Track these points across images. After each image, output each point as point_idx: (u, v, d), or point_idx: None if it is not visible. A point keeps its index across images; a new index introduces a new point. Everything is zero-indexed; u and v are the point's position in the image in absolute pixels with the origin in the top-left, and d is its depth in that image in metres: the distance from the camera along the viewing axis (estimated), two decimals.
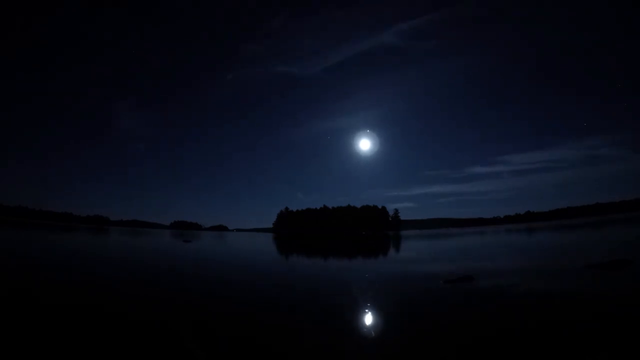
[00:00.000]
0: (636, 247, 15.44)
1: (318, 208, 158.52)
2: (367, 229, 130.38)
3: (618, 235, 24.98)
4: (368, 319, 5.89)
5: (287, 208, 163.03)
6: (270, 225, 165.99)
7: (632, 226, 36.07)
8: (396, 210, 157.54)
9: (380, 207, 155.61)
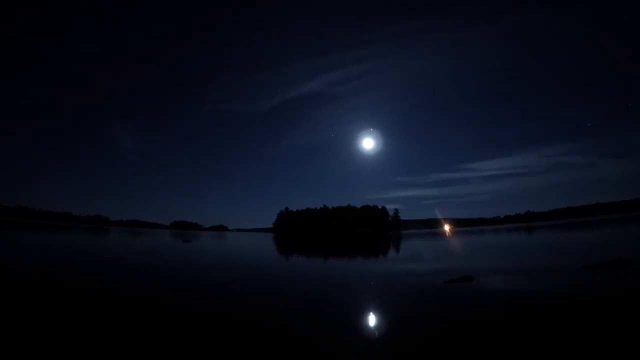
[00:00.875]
0: (636, 247, 15.44)
1: (318, 208, 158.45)
2: (367, 229, 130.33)
3: (618, 235, 24.99)
4: (367, 319, 5.89)
5: (287, 208, 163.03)
6: (270, 225, 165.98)
7: (632, 226, 36.08)
8: (396, 210, 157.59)
9: (380, 207, 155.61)
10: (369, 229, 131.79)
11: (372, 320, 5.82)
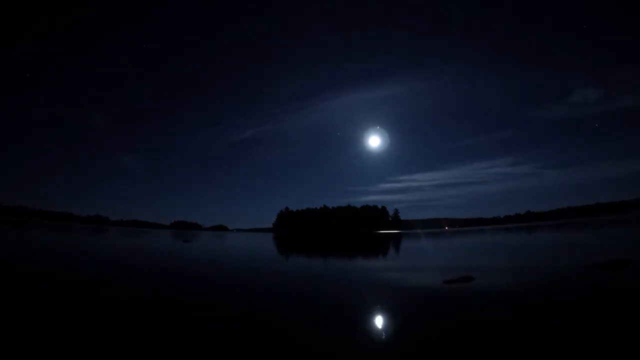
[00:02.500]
0: (636, 247, 15.43)
1: (318, 208, 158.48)
2: (367, 229, 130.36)
3: (618, 235, 24.98)
4: (364, 319, 5.89)
5: (287, 208, 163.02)
6: (270, 225, 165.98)
7: (632, 226, 36.07)
8: (396, 210, 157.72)
9: (380, 207, 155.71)
10: (369, 229, 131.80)
11: (369, 320, 5.81)
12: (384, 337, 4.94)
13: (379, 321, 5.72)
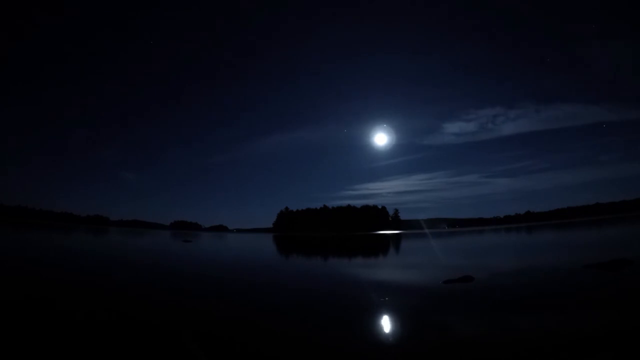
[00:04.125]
0: (636, 247, 15.42)
1: (318, 208, 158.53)
2: (367, 229, 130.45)
3: (618, 235, 24.96)
4: (365, 319, 5.88)
5: (287, 208, 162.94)
6: (270, 225, 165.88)
7: (632, 226, 36.06)
8: (396, 210, 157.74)
9: (380, 207, 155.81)
10: (369, 229, 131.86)
11: (369, 320, 5.81)
12: (382, 336, 4.94)
13: (377, 321, 5.72)
